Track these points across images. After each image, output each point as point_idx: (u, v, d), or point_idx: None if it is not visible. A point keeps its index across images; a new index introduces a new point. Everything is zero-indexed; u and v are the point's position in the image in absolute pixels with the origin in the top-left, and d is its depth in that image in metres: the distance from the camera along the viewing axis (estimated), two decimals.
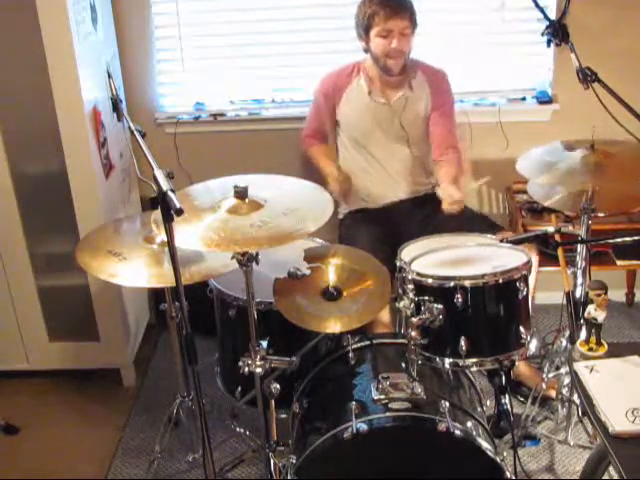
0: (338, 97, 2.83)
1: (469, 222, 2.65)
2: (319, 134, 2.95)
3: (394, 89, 2.79)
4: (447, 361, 2.04)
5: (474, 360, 2.02)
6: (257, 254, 1.89)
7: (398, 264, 2.13)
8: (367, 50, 2.74)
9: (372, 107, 2.79)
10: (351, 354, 2.18)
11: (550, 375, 2.52)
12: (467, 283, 1.98)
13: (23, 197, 2.71)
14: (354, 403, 1.95)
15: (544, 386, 2.52)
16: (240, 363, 2.00)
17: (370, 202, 2.89)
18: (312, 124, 2.96)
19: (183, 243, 1.73)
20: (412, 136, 2.83)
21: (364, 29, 2.67)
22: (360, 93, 2.79)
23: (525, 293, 2.05)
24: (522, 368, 2.74)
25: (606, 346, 1.89)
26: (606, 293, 1.91)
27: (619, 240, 2.39)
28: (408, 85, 2.79)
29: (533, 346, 2.10)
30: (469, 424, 1.98)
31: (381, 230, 2.74)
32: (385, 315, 2.48)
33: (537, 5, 2.44)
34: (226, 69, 3.21)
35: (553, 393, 2.58)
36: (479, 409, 2.14)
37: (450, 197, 2.56)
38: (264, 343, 2.03)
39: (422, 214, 2.82)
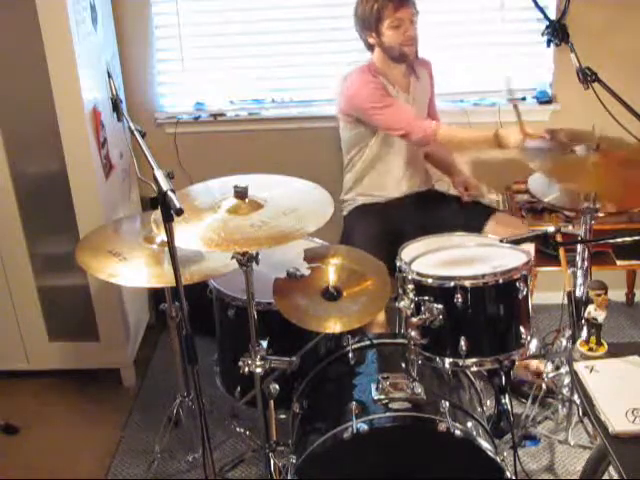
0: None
1: (465, 211, 2.70)
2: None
3: (406, 79, 2.79)
4: (447, 361, 2.04)
5: (474, 360, 2.02)
6: (257, 254, 1.90)
7: (398, 264, 2.14)
8: (371, 47, 2.71)
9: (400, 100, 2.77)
10: (351, 354, 2.17)
11: (550, 375, 2.52)
12: (467, 283, 1.99)
13: (23, 197, 2.71)
14: (354, 403, 1.95)
15: (544, 386, 2.52)
16: (240, 363, 2.00)
17: (378, 196, 2.87)
18: (409, 109, 2.74)
19: (183, 243, 1.73)
20: None
21: (374, 24, 2.64)
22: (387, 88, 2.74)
23: (525, 293, 2.05)
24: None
25: (606, 346, 1.89)
26: (606, 293, 1.91)
27: (619, 240, 2.39)
28: (414, 74, 2.81)
29: (533, 346, 2.10)
30: (469, 424, 1.98)
31: (385, 225, 2.73)
32: (380, 315, 2.47)
33: (537, 5, 2.44)
34: (226, 69, 3.21)
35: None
36: (479, 409, 2.14)
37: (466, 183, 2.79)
38: (264, 343, 2.03)
39: (425, 210, 2.81)
